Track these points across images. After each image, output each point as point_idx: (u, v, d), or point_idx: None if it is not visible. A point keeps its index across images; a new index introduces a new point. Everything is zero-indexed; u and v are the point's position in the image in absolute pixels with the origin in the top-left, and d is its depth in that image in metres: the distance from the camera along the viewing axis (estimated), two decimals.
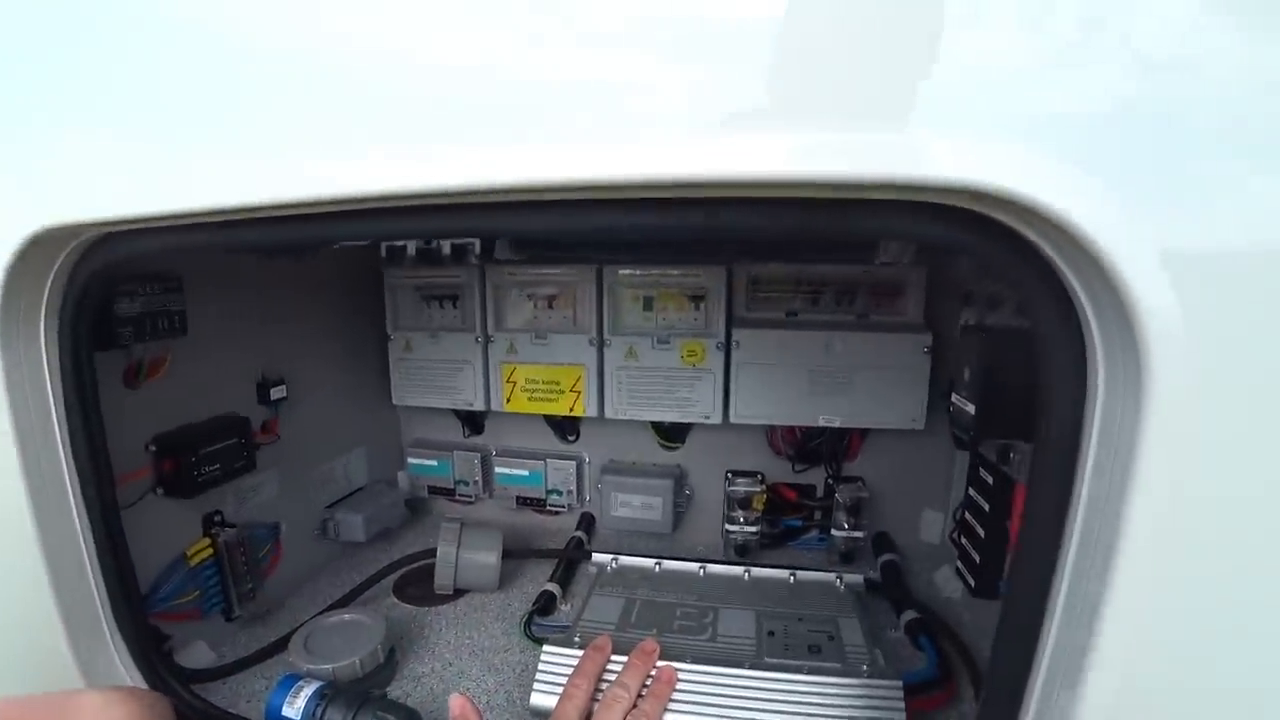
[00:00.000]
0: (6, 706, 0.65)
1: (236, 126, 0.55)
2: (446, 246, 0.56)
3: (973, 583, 0.97)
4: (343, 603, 1.11)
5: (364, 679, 0.91)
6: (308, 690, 0.83)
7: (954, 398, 0.85)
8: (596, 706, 0.77)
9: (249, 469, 1.03)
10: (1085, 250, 0.42)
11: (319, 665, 0.89)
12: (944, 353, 1.13)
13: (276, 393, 1.11)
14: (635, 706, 0.78)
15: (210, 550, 1.00)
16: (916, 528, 1.31)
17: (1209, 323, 0.42)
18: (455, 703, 0.75)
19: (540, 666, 0.87)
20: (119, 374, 0.88)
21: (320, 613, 1.04)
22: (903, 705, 0.80)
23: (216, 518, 1.02)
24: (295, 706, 0.81)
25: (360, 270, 1.32)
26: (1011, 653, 0.55)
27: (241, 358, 1.07)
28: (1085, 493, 0.49)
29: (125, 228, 0.63)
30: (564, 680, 0.82)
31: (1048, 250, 0.46)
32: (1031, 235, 0.46)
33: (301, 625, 0.98)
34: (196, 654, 0.98)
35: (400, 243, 0.57)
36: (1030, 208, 0.42)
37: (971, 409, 0.79)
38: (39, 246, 0.64)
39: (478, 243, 0.56)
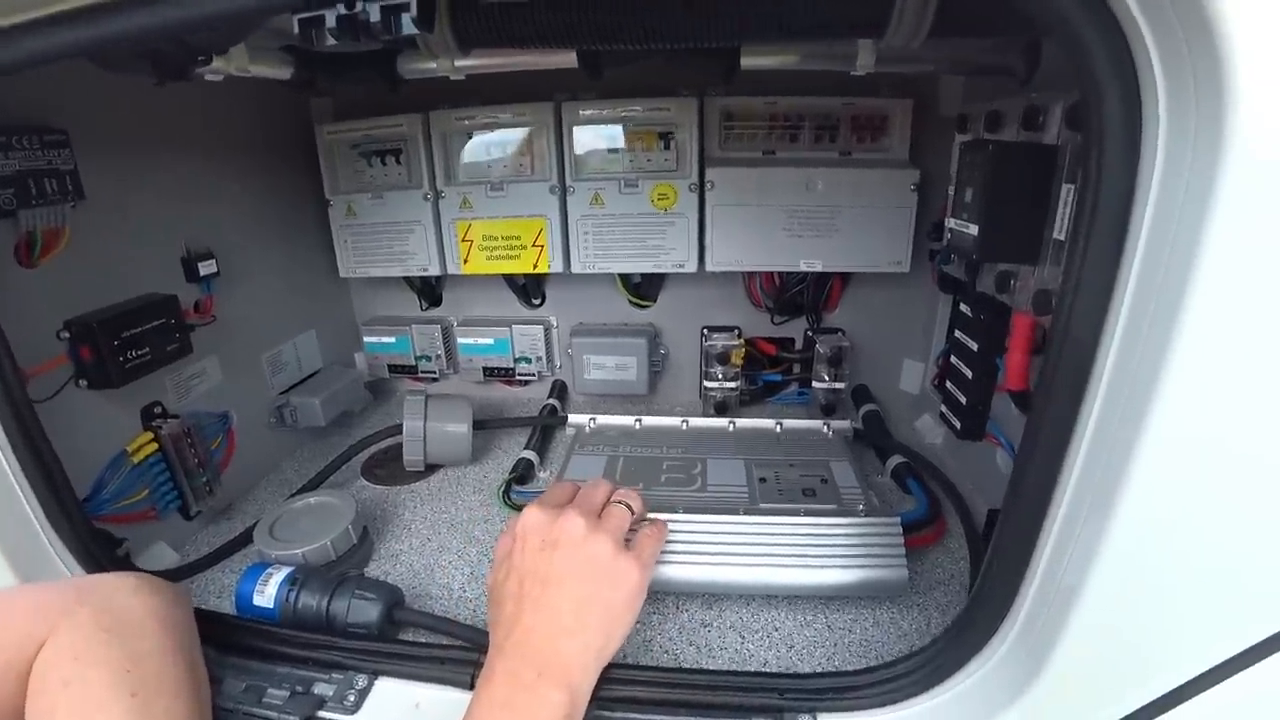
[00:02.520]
0: (32, 591, 0.60)
1: None
2: (375, 11, 0.44)
3: (958, 425, 0.95)
4: (309, 488, 1.05)
5: (338, 561, 0.86)
6: (278, 576, 0.77)
7: (952, 223, 0.79)
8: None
9: (184, 353, 0.93)
10: None
11: (287, 550, 0.83)
12: (929, 191, 1.06)
13: (205, 268, 0.99)
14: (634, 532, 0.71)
15: (154, 444, 0.91)
16: (896, 378, 1.30)
17: None
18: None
19: None
20: (9, 250, 0.76)
21: (286, 499, 0.98)
22: (902, 540, 0.78)
23: (156, 409, 0.93)
24: (266, 594, 0.76)
25: (287, 126, 1.19)
26: (1035, 475, 0.51)
27: (158, 229, 0.95)
28: (1129, 291, 0.42)
29: None
30: None
31: None
32: None
33: (266, 513, 0.92)
34: (157, 555, 0.92)
35: (311, 13, 0.45)
36: None
37: (974, 230, 0.73)
38: None
39: (413, 3, 0.45)
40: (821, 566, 0.77)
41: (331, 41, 0.47)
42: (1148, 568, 0.46)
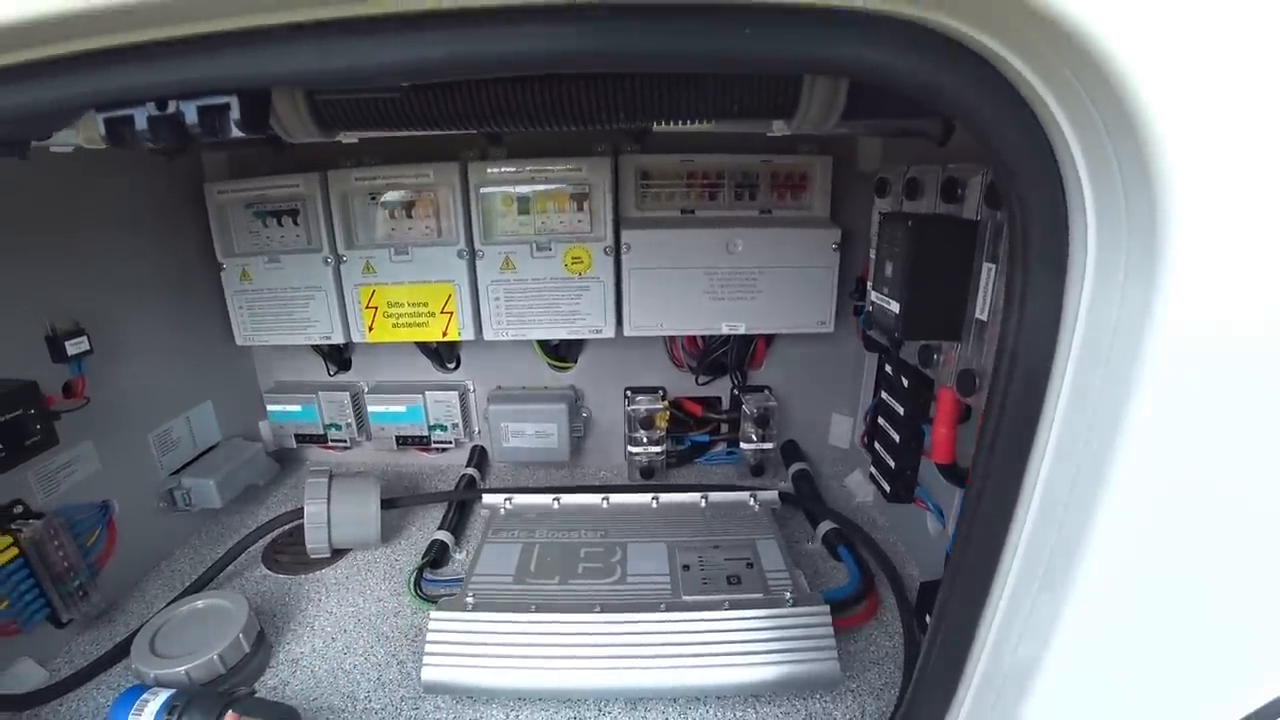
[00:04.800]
0: None
1: None
2: (191, 112, 0.38)
3: (888, 489, 0.93)
4: (200, 585, 0.96)
5: (229, 674, 0.78)
6: (154, 704, 0.69)
7: (873, 296, 0.76)
8: None
9: (48, 445, 0.84)
10: (1067, 47, 0.32)
11: (168, 669, 0.75)
12: (851, 250, 1.05)
13: (75, 346, 0.90)
14: None
15: (14, 550, 0.80)
16: (825, 432, 1.28)
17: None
18: None
19: (429, 636, 0.76)
20: None
21: (171, 602, 0.88)
22: (831, 631, 0.75)
23: (17, 509, 0.83)
24: None
25: (173, 184, 1.09)
26: (976, 550, 0.48)
27: (14, 308, 0.85)
28: (1061, 404, 0.41)
29: None
30: (457, 650, 0.72)
31: (1012, 61, 0.35)
32: (991, 45, 0.35)
33: (147, 622, 0.83)
34: (21, 675, 0.82)
35: (116, 112, 0.39)
36: None
37: (895, 308, 0.71)
38: None
39: (234, 104, 0.39)
40: (748, 664, 0.72)
41: (149, 145, 0.40)
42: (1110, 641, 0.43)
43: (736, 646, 0.73)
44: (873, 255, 0.91)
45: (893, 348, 0.80)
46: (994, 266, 0.65)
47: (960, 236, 0.68)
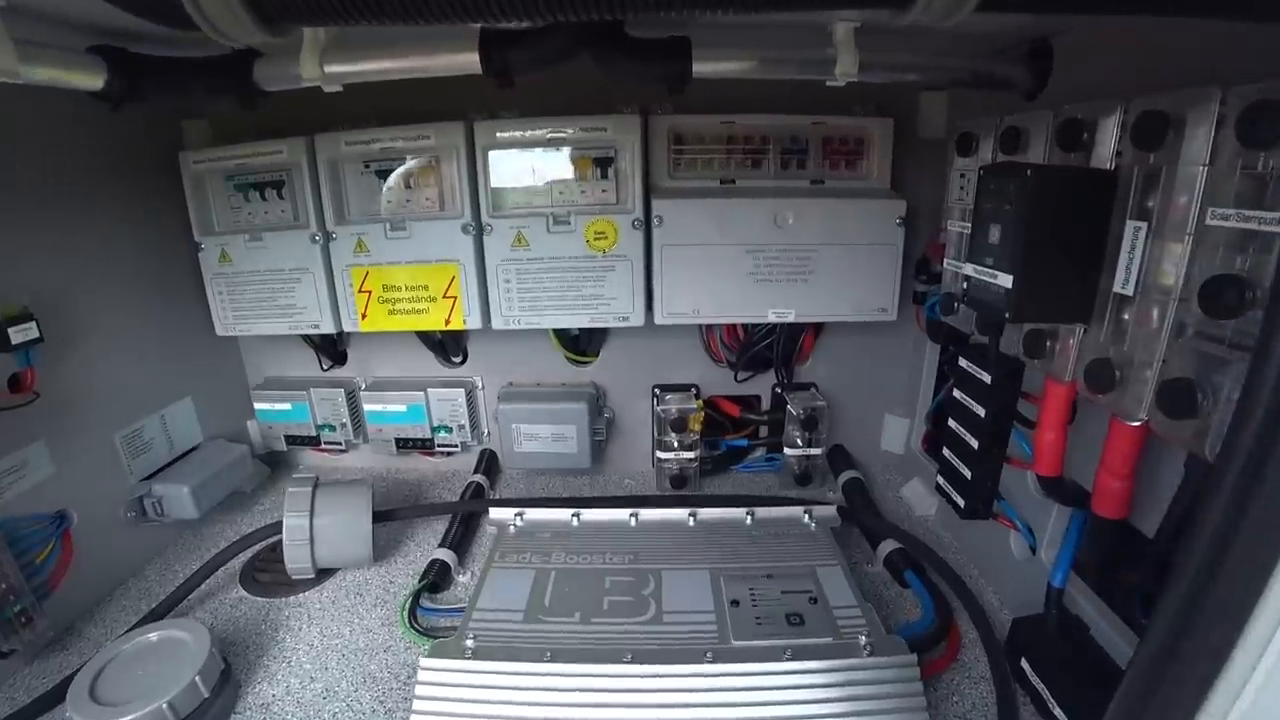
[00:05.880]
0: None
1: None
2: None
3: (961, 503, 0.78)
4: (164, 610, 0.84)
5: None
6: None
7: (969, 269, 0.62)
8: None
9: None
10: None
11: None
12: (911, 225, 0.92)
13: (20, 333, 0.78)
14: None
15: None
16: (877, 436, 1.14)
17: None
18: None
19: (418, 690, 0.63)
20: None
21: (127, 631, 0.76)
22: (920, 688, 0.61)
23: None
24: None
25: (144, 152, 0.97)
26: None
27: None
28: None
29: None
30: (452, 709, 0.58)
31: None
32: None
33: (89, 661, 0.70)
34: None
35: None
36: None
37: (1005, 281, 0.56)
38: None
39: None
40: None
41: None
42: None
43: (801, 707, 0.59)
44: (949, 227, 0.77)
45: (992, 330, 0.66)
46: (1143, 225, 0.50)
47: (1093, 190, 0.54)
